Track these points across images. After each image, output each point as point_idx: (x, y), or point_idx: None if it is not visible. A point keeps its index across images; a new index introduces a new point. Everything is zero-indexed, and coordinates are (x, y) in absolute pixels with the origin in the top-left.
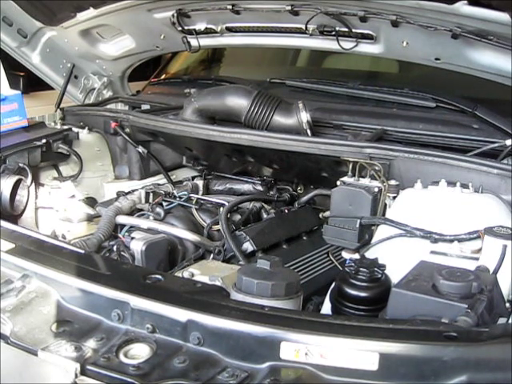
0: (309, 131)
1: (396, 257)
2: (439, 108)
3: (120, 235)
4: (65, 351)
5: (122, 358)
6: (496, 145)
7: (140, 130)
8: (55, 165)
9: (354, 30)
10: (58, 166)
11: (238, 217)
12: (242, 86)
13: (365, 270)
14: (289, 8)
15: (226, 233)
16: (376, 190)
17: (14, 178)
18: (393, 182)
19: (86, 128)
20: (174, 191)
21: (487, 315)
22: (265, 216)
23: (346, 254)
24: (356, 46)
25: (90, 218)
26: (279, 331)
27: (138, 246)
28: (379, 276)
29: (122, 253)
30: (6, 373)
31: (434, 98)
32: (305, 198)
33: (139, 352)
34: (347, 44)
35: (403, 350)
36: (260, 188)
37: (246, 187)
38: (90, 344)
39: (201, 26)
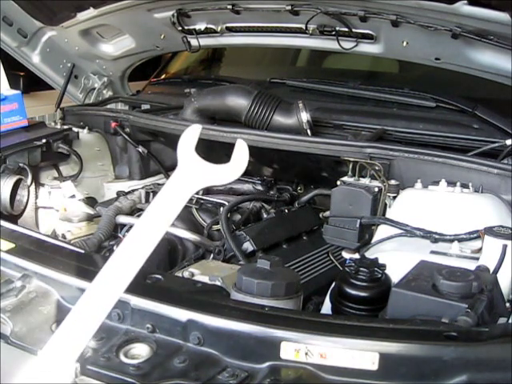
0: (309, 131)
1: (396, 256)
2: (439, 108)
3: (120, 235)
4: None
5: (122, 357)
6: (496, 144)
7: (140, 129)
8: (55, 165)
9: (354, 30)
10: (58, 165)
11: (238, 217)
12: (242, 85)
13: (365, 269)
14: (289, 8)
15: (226, 233)
16: (376, 189)
17: (14, 178)
18: (393, 182)
19: (86, 128)
20: None
21: (487, 315)
22: (265, 216)
23: (346, 254)
24: (356, 45)
25: (90, 218)
26: (279, 331)
27: None
28: (379, 276)
29: None
30: (6, 373)
31: (434, 98)
32: (305, 198)
33: (139, 352)
34: (347, 44)
35: (403, 349)
36: (260, 188)
37: (246, 187)
38: (90, 344)
39: (201, 26)
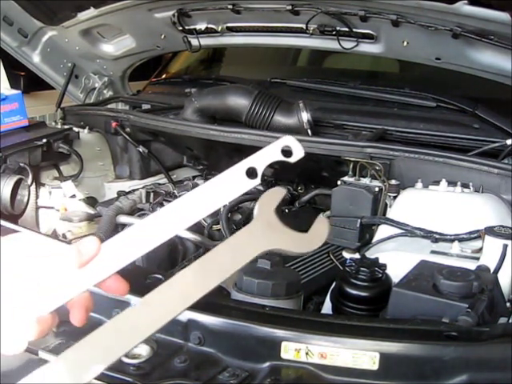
0: (309, 131)
1: (396, 256)
2: (440, 108)
3: None
4: None
5: (122, 357)
6: (496, 144)
7: (140, 129)
8: (56, 164)
9: (354, 30)
10: (59, 165)
11: (238, 216)
12: (242, 85)
13: (365, 269)
14: (289, 8)
15: (226, 232)
16: (376, 189)
17: (15, 178)
18: (393, 182)
19: (87, 128)
20: (175, 191)
21: (488, 315)
22: None
23: (346, 254)
24: (356, 45)
25: (91, 218)
26: (280, 331)
27: None
28: (380, 276)
29: None
30: (7, 373)
31: (435, 98)
32: (305, 198)
33: (140, 352)
34: (348, 44)
35: (404, 349)
36: (260, 188)
37: None
38: None
39: (201, 26)
